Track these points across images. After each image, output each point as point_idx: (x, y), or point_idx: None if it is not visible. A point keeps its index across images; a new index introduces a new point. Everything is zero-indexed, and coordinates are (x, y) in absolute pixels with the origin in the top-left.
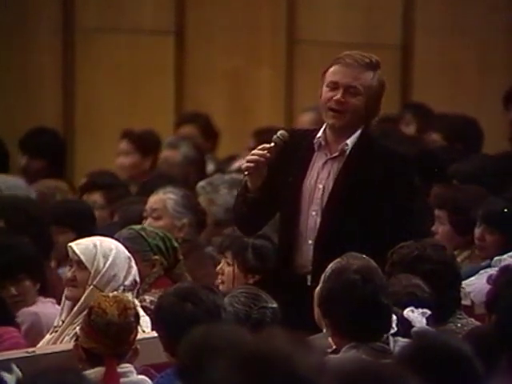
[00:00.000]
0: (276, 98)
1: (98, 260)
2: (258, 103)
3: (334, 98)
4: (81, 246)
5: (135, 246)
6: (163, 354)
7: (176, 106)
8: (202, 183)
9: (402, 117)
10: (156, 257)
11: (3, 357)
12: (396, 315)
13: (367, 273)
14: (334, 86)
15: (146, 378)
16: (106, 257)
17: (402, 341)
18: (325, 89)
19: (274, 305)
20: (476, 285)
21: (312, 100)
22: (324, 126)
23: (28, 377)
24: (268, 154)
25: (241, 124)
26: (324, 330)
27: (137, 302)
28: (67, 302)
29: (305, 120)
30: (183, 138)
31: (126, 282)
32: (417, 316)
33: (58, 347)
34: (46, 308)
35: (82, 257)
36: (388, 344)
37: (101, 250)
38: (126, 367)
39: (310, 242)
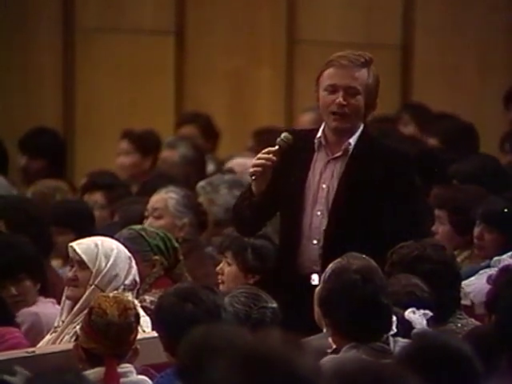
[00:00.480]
0: (276, 97)
1: (99, 260)
2: (258, 103)
3: (336, 102)
4: (82, 246)
5: (135, 246)
6: (163, 354)
7: (176, 105)
8: (202, 183)
9: (400, 117)
10: (156, 257)
11: (3, 357)
12: (396, 316)
13: (367, 273)
14: (333, 89)
15: (146, 378)
16: (107, 257)
17: (402, 341)
18: (323, 93)
19: (274, 305)
20: (476, 285)
21: (312, 100)
22: (323, 126)
23: (28, 377)
24: (274, 158)
25: (241, 124)
26: (324, 330)
27: (137, 302)
28: (67, 302)
29: (305, 120)
30: (182, 138)
31: (127, 282)
32: (418, 317)
33: (58, 347)
34: (46, 308)
35: (83, 257)
36: (388, 344)
37: (102, 249)
38: (126, 367)
39: (315, 242)
